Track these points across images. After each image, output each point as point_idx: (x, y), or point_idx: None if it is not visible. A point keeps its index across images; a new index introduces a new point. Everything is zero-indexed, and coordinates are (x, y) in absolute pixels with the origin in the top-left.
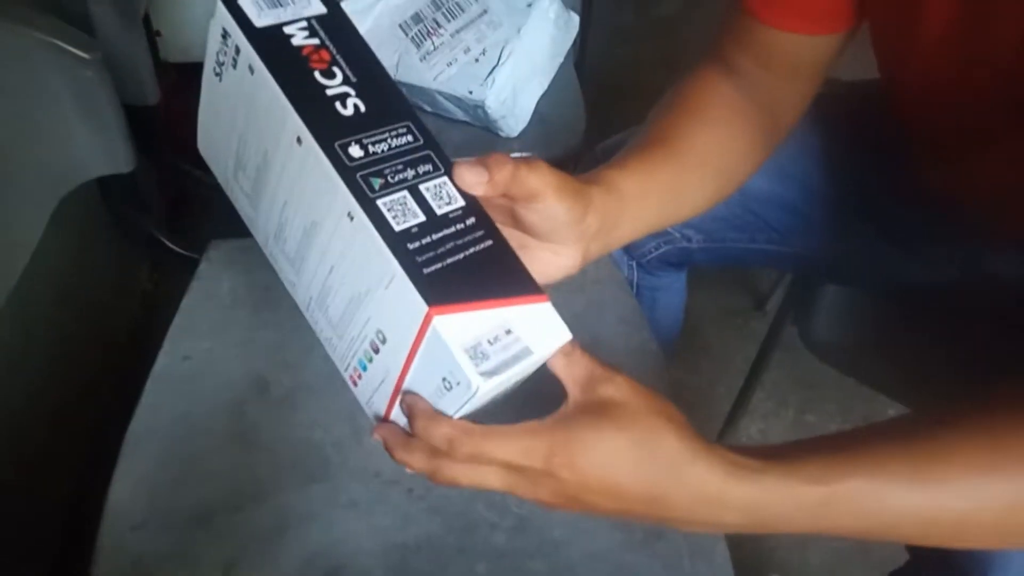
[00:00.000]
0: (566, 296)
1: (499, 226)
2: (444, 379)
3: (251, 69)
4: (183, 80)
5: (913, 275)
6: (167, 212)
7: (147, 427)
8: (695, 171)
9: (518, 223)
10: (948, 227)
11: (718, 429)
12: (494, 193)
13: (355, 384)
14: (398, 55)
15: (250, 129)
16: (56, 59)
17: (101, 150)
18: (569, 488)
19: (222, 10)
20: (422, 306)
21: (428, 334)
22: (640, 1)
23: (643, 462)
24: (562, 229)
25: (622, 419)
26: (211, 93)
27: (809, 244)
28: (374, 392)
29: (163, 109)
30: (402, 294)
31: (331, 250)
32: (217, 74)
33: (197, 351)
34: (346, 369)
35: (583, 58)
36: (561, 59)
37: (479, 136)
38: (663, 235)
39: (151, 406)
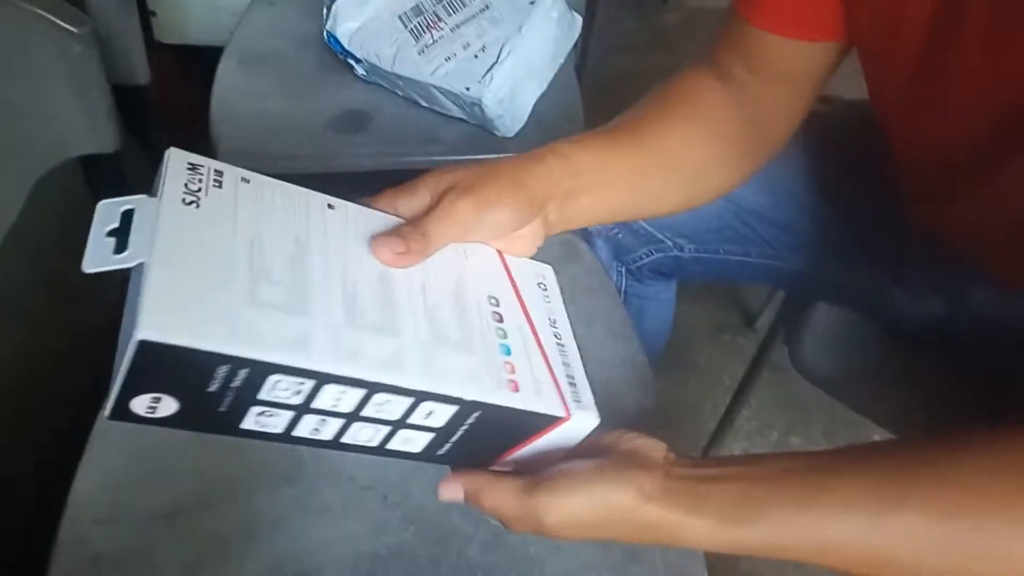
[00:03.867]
0: None
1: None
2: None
3: (245, 180)
4: (178, 62)
5: (900, 303)
6: None
7: (111, 424)
8: (660, 163)
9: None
10: (933, 260)
11: (703, 446)
12: (423, 258)
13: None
14: (396, 46)
15: (265, 230)
16: (45, 32)
17: (86, 128)
18: (541, 530)
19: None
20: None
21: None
22: (643, 10)
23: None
24: (512, 228)
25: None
26: (181, 231)
27: (802, 261)
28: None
29: (156, 90)
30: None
31: (415, 276)
32: (191, 203)
33: None
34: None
35: (583, 65)
36: (562, 60)
37: (476, 135)
38: (655, 242)
39: None
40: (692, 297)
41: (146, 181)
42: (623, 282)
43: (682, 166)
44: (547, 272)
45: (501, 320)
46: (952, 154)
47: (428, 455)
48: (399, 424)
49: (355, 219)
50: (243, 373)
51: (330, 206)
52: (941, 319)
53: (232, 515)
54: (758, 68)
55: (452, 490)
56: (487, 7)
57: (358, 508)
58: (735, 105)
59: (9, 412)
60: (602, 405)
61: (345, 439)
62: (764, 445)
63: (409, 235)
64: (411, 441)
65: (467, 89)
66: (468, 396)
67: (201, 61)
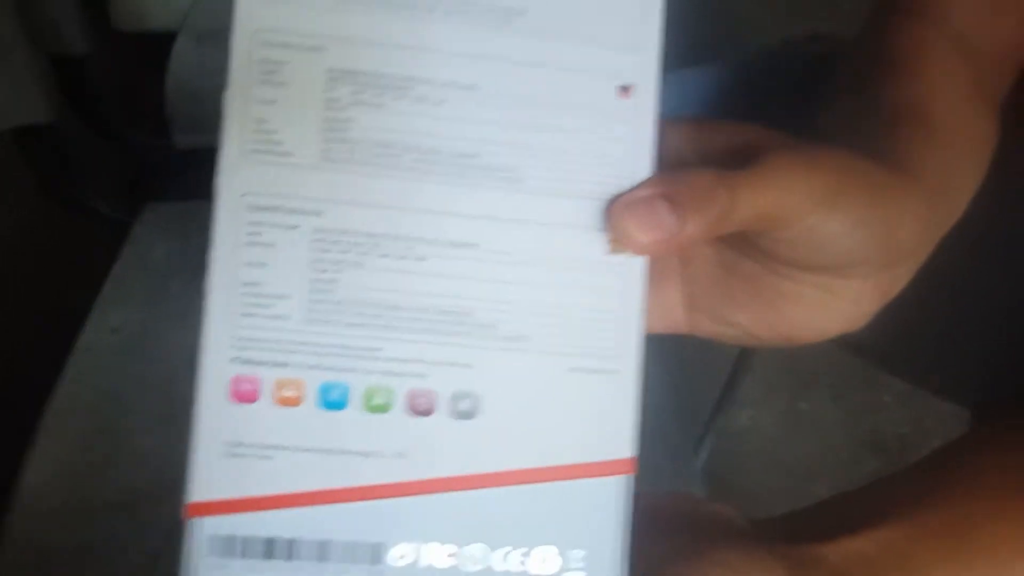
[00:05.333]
0: None
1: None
2: None
3: None
4: (138, 50)
5: None
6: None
7: (69, 405)
8: None
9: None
10: None
11: (704, 420)
12: (691, 243)
13: None
14: None
15: None
16: None
17: (11, 97)
18: None
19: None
20: None
21: None
22: None
23: None
24: (842, 254)
25: None
26: None
27: None
28: None
29: (114, 74)
30: None
31: None
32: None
33: (128, 323)
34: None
35: None
36: None
37: None
38: None
39: (74, 381)
40: None
41: (88, 157)
42: None
43: None
44: None
45: None
46: None
47: None
48: None
49: None
50: None
51: None
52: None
53: None
54: None
55: None
56: None
57: None
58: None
59: None
60: None
61: None
62: (771, 413)
63: (693, 194)
64: None
65: None
66: None
67: (162, 50)
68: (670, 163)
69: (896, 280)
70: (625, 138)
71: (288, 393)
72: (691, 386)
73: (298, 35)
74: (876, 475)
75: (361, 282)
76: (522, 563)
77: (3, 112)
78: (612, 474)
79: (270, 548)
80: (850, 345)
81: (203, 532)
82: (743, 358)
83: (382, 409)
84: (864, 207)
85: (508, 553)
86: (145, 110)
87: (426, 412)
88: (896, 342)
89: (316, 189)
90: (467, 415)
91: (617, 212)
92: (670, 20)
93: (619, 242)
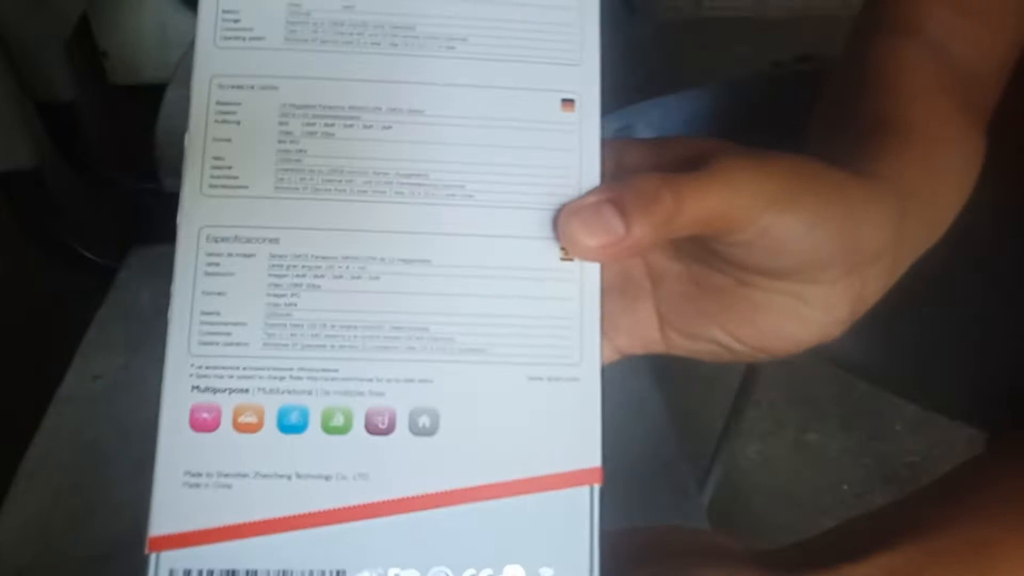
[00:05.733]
0: None
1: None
2: None
3: None
4: (132, 101)
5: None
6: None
7: (44, 456)
8: None
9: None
10: None
11: (710, 454)
12: (641, 249)
13: None
14: None
15: None
16: None
17: None
18: None
19: None
20: None
21: None
22: (613, 23)
23: None
24: (802, 256)
25: None
26: None
27: None
28: None
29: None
30: None
31: None
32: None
33: (109, 369)
34: None
35: None
36: None
37: None
38: None
39: (52, 431)
40: None
41: (75, 201)
42: None
43: None
44: None
45: None
46: None
47: None
48: None
49: None
50: None
51: None
52: (951, 270)
53: None
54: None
55: None
56: None
57: None
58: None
59: None
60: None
61: None
62: (780, 445)
63: (638, 197)
64: None
65: None
66: None
67: (156, 101)
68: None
69: (868, 284)
70: (571, 149)
71: (247, 419)
72: (695, 421)
73: (252, 77)
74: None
75: (317, 304)
76: None
77: None
78: (580, 484)
79: None
80: (861, 371)
81: (162, 566)
82: (745, 389)
83: (341, 431)
84: (820, 206)
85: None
86: (134, 155)
87: (386, 431)
88: (910, 366)
89: (272, 217)
90: (428, 432)
91: (564, 218)
92: (660, 51)
93: (569, 249)
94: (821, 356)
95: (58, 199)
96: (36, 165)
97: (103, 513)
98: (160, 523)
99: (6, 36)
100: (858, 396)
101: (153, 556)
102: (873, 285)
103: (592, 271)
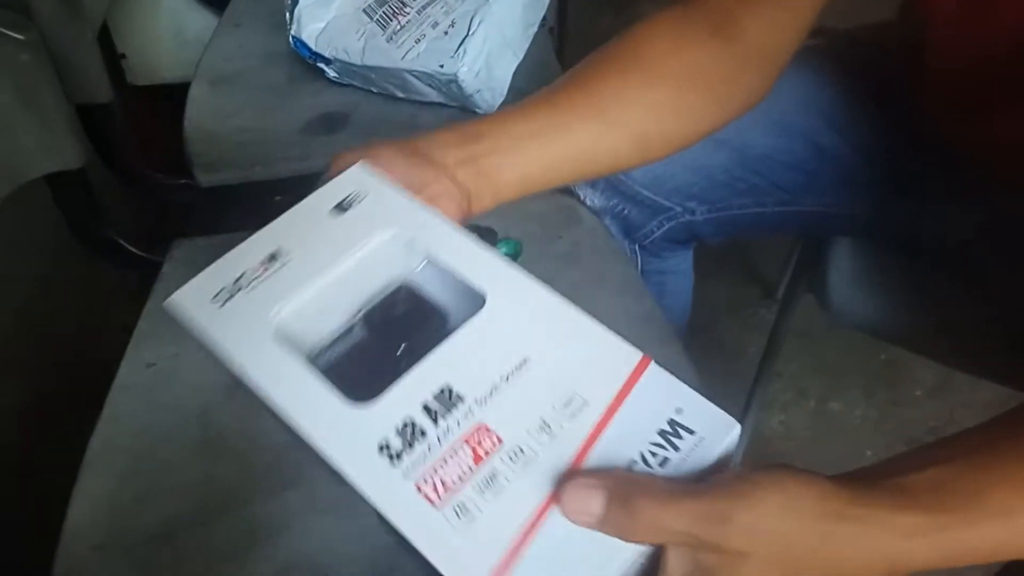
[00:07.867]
0: (561, 267)
1: None
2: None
3: None
4: (151, 101)
5: (927, 229)
6: (148, 228)
7: (108, 442)
8: (590, 116)
9: None
10: (963, 183)
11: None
12: None
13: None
14: (364, 39)
15: None
16: None
17: (44, 144)
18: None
19: None
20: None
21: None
22: None
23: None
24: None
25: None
26: None
27: (819, 201)
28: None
29: (131, 125)
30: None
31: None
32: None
33: (162, 357)
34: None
35: (564, 28)
36: (535, 28)
37: (456, 117)
38: (663, 211)
39: (113, 419)
40: (707, 274)
41: (116, 200)
42: (638, 260)
43: (617, 119)
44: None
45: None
46: (999, 61)
47: None
48: None
49: None
50: None
51: None
52: (971, 242)
53: (234, 527)
54: None
55: (586, 499)
56: None
57: (365, 503)
58: (707, 46)
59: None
60: None
61: None
62: (802, 415)
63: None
64: None
65: (441, 67)
66: None
67: (175, 99)
68: None
69: (468, 187)
70: None
71: None
72: (720, 396)
73: None
74: None
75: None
76: None
77: (37, 159)
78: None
79: None
80: (888, 335)
81: None
82: (768, 359)
83: None
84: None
85: None
86: (159, 153)
87: None
88: (942, 325)
89: None
90: None
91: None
92: None
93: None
94: (849, 323)
95: (101, 198)
96: (81, 166)
97: (163, 494)
98: None
99: (49, 43)
100: (879, 364)
101: None
102: (477, 194)
103: None
